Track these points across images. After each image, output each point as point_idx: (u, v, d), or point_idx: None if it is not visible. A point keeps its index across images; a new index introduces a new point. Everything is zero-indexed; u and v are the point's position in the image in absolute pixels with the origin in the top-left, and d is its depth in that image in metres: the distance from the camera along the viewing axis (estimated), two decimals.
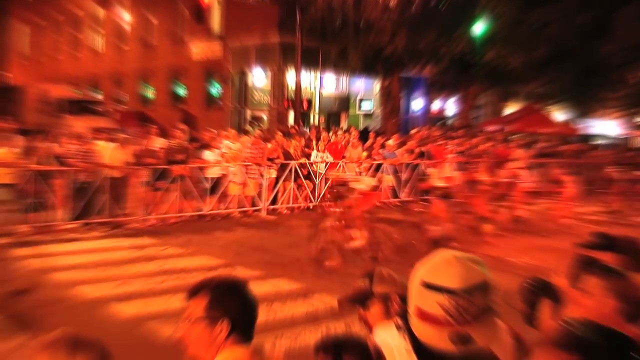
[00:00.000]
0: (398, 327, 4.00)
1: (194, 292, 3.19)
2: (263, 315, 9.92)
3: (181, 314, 3.19)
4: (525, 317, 4.11)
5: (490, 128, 33.72)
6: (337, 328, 9.20)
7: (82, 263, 12.86)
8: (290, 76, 37.20)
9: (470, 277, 2.34)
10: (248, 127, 33.07)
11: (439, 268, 2.40)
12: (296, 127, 28.88)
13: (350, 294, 4.53)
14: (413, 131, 27.39)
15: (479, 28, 32.77)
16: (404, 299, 2.88)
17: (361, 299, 4.46)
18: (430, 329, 2.37)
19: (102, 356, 2.66)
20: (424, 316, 2.39)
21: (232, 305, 3.15)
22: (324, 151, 21.71)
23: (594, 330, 2.26)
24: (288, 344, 8.89)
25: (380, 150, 23.28)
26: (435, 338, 2.36)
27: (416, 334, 2.45)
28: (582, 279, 3.53)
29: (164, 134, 20.63)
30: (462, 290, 2.32)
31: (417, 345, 2.46)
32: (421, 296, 2.41)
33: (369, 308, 4.41)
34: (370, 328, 4.39)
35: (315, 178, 21.21)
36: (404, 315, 2.61)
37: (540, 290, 4.31)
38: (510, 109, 41.83)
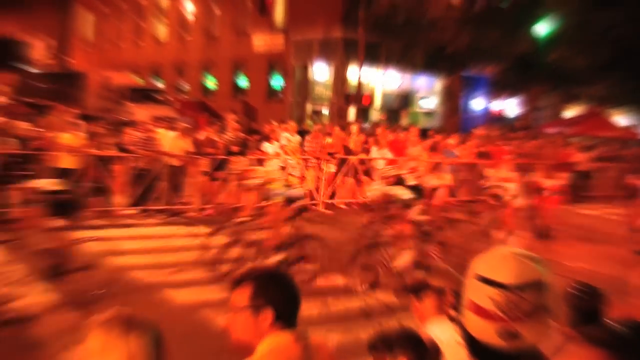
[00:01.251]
0: (451, 319, 3.97)
1: (238, 282, 3.28)
2: (316, 308, 9.97)
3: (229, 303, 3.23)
4: (569, 320, 4.04)
5: (551, 130, 33.34)
6: (390, 323, 9.13)
7: (138, 248, 12.95)
8: (351, 71, 37.17)
9: (525, 274, 2.33)
10: (308, 121, 33.04)
11: (494, 262, 2.40)
12: (356, 123, 28.82)
13: (407, 284, 4.51)
14: (473, 131, 27.17)
15: (543, 28, 32.45)
16: (458, 295, 2.85)
17: (416, 290, 4.45)
18: (481, 322, 2.36)
19: (155, 338, 2.65)
20: (476, 309, 2.39)
21: (275, 294, 3.21)
22: (384, 148, 21.60)
23: (633, 327, 2.19)
24: (340, 338, 8.85)
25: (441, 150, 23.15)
26: (484, 332, 2.36)
27: (467, 327, 2.45)
28: None
29: (223, 124, 20.66)
30: (514, 286, 2.31)
31: (469, 339, 2.45)
32: (475, 289, 2.41)
33: (422, 300, 4.40)
34: (421, 320, 4.39)
35: (374, 175, 21.11)
36: (457, 309, 2.60)
37: (586, 295, 4.25)
38: (571, 111, 41.35)
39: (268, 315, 3.14)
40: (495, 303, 2.31)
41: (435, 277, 4.42)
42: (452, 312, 3.76)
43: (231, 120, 21.05)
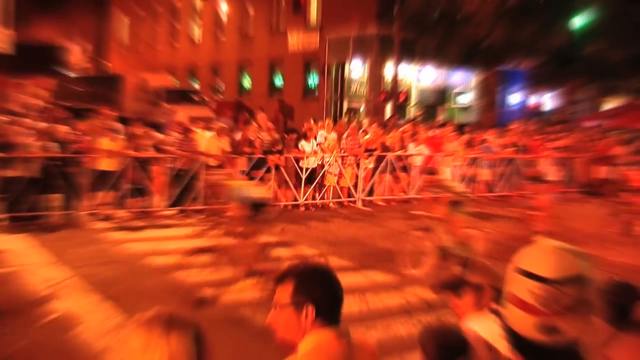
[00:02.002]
0: (493, 312, 3.95)
1: (280, 279, 3.26)
2: (355, 305, 9.99)
3: (271, 301, 3.23)
4: (606, 317, 4.00)
5: (589, 124, 33.04)
6: (429, 321, 9.13)
7: (177, 249, 12.99)
8: (387, 68, 37.13)
9: (565, 269, 2.33)
10: (344, 119, 33.02)
11: (536, 255, 2.40)
12: (393, 119, 28.79)
13: (445, 280, 4.51)
14: (510, 125, 27.01)
15: (579, 21, 32.19)
16: (497, 291, 2.85)
17: (454, 286, 4.44)
18: (521, 315, 2.37)
19: (196, 337, 2.66)
20: (517, 302, 2.39)
21: (317, 291, 3.19)
22: (421, 144, 21.54)
23: None
24: (379, 335, 8.86)
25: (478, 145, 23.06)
26: (524, 325, 2.36)
27: (508, 320, 2.46)
28: None
29: (259, 123, 20.71)
30: (555, 280, 2.31)
31: (510, 333, 2.46)
32: (515, 282, 2.42)
33: (461, 296, 4.39)
34: (460, 317, 4.39)
35: (412, 171, 21.09)
36: (498, 303, 2.59)
37: (621, 291, 4.20)
38: (609, 104, 40.95)
39: (310, 312, 3.13)
40: (535, 296, 2.31)
41: (474, 273, 4.40)
42: (494, 306, 3.75)
43: (261, 118, 21.11)
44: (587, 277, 2.33)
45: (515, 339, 2.40)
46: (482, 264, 4.47)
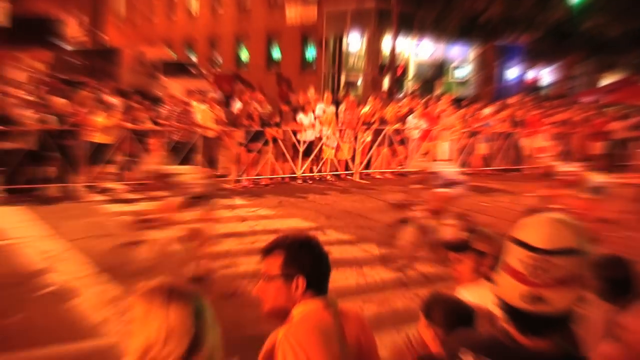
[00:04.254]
0: (488, 279, 3.97)
1: (268, 250, 3.29)
2: (352, 279, 10.00)
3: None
4: (598, 290, 4.02)
5: (586, 99, 33.00)
6: (426, 294, 9.14)
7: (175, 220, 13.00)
8: (385, 42, 37.03)
9: (557, 240, 2.31)
10: (342, 92, 32.96)
11: (530, 225, 2.40)
12: (391, 93, 28.73)
13: (448, 241, 4.53)
14: (507, 100, 26.98)
15: None
16: (497, 260, 2.86)
17: (457, 248, 4.46)
18: (510, 283, 2.37)
19: (198, 309, 2.65)
20: (508, 270, 2.39)
21: (306, 262, 3.22)
22: (419, 118, 21.52)
23: None
24: (375, 308, 8.87)
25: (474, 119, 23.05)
26: (511, 293, 2.36)
27: (497, 288, 2.46)
28: None
29: (255, 95, 20.65)
30: (545, 250, 2.30)
31: (500, 300, 2.46)
32: (508, 250, 2.42)
33: (462, 260, 4.41)
34: (459, 281, 4.43)
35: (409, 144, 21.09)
36: (494, 272, 2.61)
37: (614, 266, 4.24)
38: (607, 80, 40.89)
39: (300, 283, 3.17)
40: (525, 265, 2.32)
41: (479, 240, 4.42)
42: (491, 274, 3.76)
43: (251, 93, 21.00)
44: (580, 251, 2.31)
45: (505, 307, 2.40)
46: (489, 233, 4.49)
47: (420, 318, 3.80)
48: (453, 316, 3.61)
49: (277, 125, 18.55)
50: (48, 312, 8.34)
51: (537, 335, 2.35)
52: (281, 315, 3.18)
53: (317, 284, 3.22)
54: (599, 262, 4.10)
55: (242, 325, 7.61)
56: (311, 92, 21.41)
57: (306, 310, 3.14)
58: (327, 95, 21.63)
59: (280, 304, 3.19)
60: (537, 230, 2.35)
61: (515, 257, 2.36)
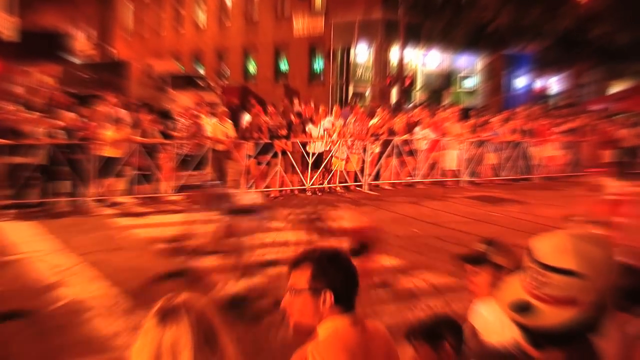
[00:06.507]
0: None
1: (296, 263, 3.23)
2: (363, 290, 9.96)
3: (283, 286, 3.21)
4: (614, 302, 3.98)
5: (595, 107, 32.95)
6: (436, 305, 9.13)
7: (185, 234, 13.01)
8: (393, 52, 37.06)
9: (559, 259, 2.25)
10: (350, 103, 32.98)
11: (547, 237, 2.34)
12: (399, 103, 28.75)
13: (466, 253, 4.50)
14: (516, 109, 26.96)
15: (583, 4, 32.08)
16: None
17: (474, 261, 4.43)
18: (510, 284, 2.36)
19: (199, 322, 2.63)
20: (518, 275, 2.36)
21: (335, 277, 3.17)
22: (426, 128, 21.52)
23: None
24: (387, 320, 8.83)
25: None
26: (506, 295, 2.34)
27: (497, 291, 2.42)
28: None
29: (265, 109, 20.70)
30: (543, 264, 2.25)
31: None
32: (524, 255, 2.36)
33: (479, 273, 4.39)
34: (475, 294, 4.39)
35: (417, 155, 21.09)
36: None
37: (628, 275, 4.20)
38: (616, 88, 40.84)
39: (328, 298, 3.12)
40: (528, 273, 2.28)
41: (497, 253, 4.39)
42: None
43: (277, 104, 21.06)
44: (581, 275, 2.22)
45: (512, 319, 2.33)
46: (507, 246, 4.47)
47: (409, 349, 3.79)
48: (437, 332, 3.61)
49: (286, 137, 18.55)
50: (59, 327, 8.34)
51: (546, 348, 2.30)
52: (307, 330, 3.15)
53: (345, 300, 3.19)
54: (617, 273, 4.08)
55: (256, 340, 7.62)
56: (320, 107, 21.38)
57: (333, 327, 3.11)
58: (336, 108, 21.62)
59: (307, 318, 3.15)
60: (547, 244, 2.30)
61: (524, 263, 2.32)
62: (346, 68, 39.72)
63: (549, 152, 23.13)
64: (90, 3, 61.06)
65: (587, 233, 2.37)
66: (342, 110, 22.04)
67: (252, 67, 47.98)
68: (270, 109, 20.16)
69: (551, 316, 2.23)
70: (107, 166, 15.99)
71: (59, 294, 9.56)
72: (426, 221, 15.48)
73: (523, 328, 2.29)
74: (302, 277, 3.16)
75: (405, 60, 35.32)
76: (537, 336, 2.27)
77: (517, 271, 2.38)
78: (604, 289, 2.24)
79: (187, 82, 35.88)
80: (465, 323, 3.96)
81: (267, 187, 18.34)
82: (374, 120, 21.07)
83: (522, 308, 2.25)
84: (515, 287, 2.31)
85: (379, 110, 22.45)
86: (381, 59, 37.57)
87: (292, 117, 20.00)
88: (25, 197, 15.01)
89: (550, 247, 2.28)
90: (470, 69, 42.60)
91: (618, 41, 31.56)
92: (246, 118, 20.02)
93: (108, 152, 16.05)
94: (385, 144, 20.36)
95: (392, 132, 20.79)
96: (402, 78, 34.83)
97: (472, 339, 3.79)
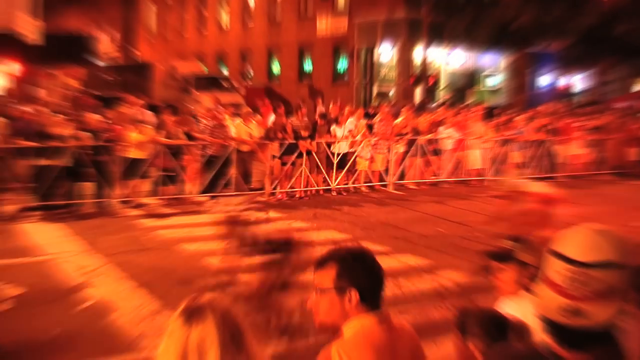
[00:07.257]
0: (528, 291, 3.91)
1: (322, 262, 3.24)
2: (388, 289, 9.92)
3: (308, 286, 3.21)
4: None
5: (620, 104, 32.70)
6: (462, 304, 9.10)
7: (209, 235, 13.02)
8: (416, 52, 36.99)
9: (596, 253, 2.26)
10: (374, 103, 32.97)
11: (569, 237, 2.35)
12: (423, 103, 28.69)
13: (492, 250, 4.48)
14: (540, 107, 26.83)
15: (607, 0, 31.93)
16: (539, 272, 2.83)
17: (500, 258, 4.42)
18: (549, 296, 2.32)
19: (224, 322, 2.62)
20: (546, 282, 2.35)
21: (360, 276, 3.17)
22: (450, 127, 21.46)
23: None
24: (412, 319, 8.80)
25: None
26: (549, 306, 2.31)
27: (535, 299, 2.42)
28: None
29: (289, 109, 20.71)
30: (582, 263, 2.25)
31: (539, 314, 2.40)
32: (547, 262, 2.37)
33: (505, 270, 4.37)
34: (500, 291, 4.38)
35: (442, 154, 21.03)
36: (534, 282, 2.57)
37: None
38: None
39: (354, 297, 3.12)
40: (564, 278, 2.26)
41: (524, 251, 4.37)
42: (531, 286, 3.72)
43: (301, 104, 21.04)
44: (619, 264, 2.25)
45: (544, 320, 2.35)
46: (533, 244, 4.45)
47: (455, 333, 3.76)
48: (490, 328, 3.57)
49: (311, 137, 18.53)
50: (86, 327, 8.38)
51: (577, 349, 2.30)
52: (333, 328, 3.16)
53: (371, 298, 3.19)
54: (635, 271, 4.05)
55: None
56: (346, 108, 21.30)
57: (359, 325, 3.11)
58: (360, 110, 21.58)
59: (333, 317, 3.16)
60: (575, 243, 2.30)
61: (554, 269, 2.31)
62: (370, 68, 39.70)
63: (573, 150, 22.97)
64: (114, 5, 61.28)
65: (597, 224, 2.37)
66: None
67: (275, 68, 48.02)
68: (303, 109, 20.12)
69: (600, 313, 2.24)
70: (132, 167, 16.04)
71: (86, 294, 9.62)
72: (451, 220, 15.44)
73: (561, 330, 2.28)
74: (327, 277, 3.16)
75: (429, 60, 35.29)
76: (577, 336, 2.27)
77: (541, 283, 2.37)
78: (635, 273, 2.25)
79: (211, 83, 35.99)
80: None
81: (291, 187, 18.35)
82: (398, 120, 21.02)
83: (574, 313, 2.25)
84: (552, 296, 2.30)
85: (403, 109, 22.40)
86: (405, 59, 37.52)
87: (317, 118, 19.99)
88: (52, 199, 15.08)
89: (581, 246, 2.29)
90: (494, 67, 42.45)
91: None
92: (271, 119, 20.02)
93: (133, 153, 16.10)
94: (410, 143, 20.30)
95: (416, 132, 20.73)
96: (426, 77, 34.80)
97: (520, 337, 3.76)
